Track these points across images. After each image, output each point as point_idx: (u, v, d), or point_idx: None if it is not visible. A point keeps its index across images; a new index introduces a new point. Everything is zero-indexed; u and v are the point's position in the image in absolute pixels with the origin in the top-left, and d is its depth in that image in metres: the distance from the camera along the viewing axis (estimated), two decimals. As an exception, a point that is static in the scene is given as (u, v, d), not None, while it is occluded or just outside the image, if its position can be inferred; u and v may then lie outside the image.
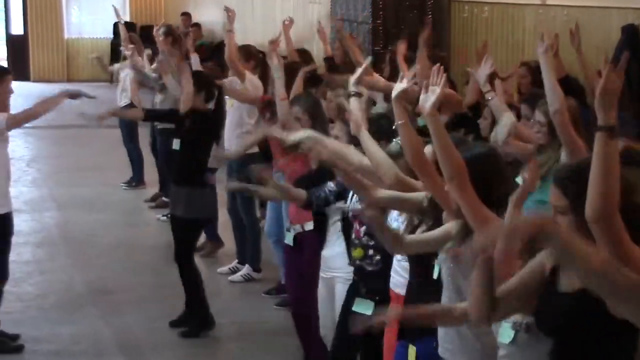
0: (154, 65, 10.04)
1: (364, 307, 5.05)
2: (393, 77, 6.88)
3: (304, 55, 9.03)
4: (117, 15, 11.67)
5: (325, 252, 5.67)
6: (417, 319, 3.57)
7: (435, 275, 4.01)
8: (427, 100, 3.77)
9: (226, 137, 8.29)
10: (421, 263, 4.20)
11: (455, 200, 3.69)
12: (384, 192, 4.41)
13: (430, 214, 4.14)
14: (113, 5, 12.31)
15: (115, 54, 15.57)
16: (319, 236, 5.78)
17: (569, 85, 6.45)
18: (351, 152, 4.87)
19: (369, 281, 5.07)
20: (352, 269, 5.21)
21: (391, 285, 4.79)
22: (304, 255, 6.08)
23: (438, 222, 4.03)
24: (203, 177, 7.14)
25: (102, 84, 19.07)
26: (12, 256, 6.97)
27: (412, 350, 4.28)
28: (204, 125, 7.12)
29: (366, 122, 4.89)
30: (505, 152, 5.49)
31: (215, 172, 7.79)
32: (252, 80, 8.41)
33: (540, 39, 5.13)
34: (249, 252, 8.46)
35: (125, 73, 11.23)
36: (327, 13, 11.26)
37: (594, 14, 8.16)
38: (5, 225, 6.64)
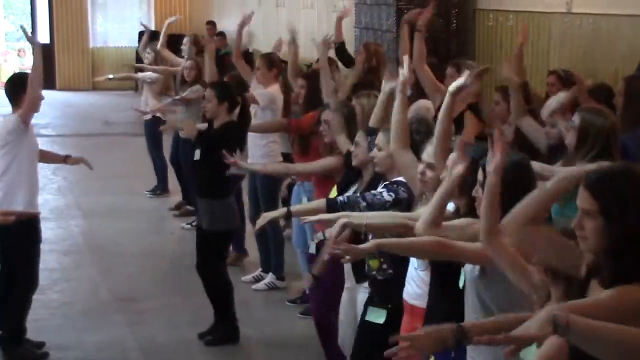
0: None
1: (376, 316, 5.04)
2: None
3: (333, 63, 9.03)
4: (146, 28, 11.85)
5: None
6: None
7: (460, 284, 3.99)
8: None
9: (250, 144, 8.23)
10: (446, 272, 4.17)
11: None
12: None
13: None
14: (141, 22, 12.43)
15: (140, 63, 15.65)
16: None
17: (599, 92, 6.48)
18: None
19: (381, 290, 5.06)
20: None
21: (405, 296, 4.74)
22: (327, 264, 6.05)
23: None
24: (224, 188, 7.10)
25: (127, 92, 19.19)
26: (38, 264, 7.02)
27: (431, 360, 4.25)
28: (225, 136, 7.01)
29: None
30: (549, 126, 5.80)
31: (241, 180, 7.70)
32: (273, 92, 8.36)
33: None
34: (272, 260, 8.47)
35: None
36: (351, 22, 11.25)
37: (621, 22, 8.10)
38: (33, 231, 6.69)
